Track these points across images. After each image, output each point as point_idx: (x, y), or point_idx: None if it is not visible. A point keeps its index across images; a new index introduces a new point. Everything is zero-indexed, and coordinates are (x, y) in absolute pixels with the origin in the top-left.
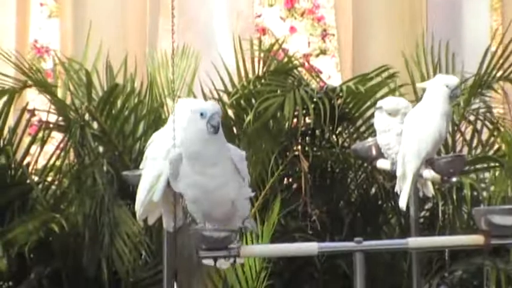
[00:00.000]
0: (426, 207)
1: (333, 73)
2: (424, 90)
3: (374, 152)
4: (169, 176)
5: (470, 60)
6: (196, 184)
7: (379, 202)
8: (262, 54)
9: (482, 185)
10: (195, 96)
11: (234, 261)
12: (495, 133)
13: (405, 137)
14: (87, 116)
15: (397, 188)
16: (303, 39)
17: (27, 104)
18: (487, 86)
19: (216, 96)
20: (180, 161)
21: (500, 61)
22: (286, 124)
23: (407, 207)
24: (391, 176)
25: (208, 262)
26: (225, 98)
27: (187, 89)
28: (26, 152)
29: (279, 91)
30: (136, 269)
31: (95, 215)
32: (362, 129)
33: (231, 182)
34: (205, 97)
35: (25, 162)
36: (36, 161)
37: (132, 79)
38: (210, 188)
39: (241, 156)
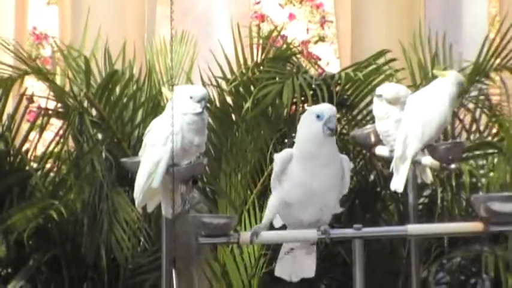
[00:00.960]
0: (425, 193)
1: (331, 60)
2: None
3: (373, 138)
4: (273, 174)
5: (469, 47)
6: (303, 183)
7: (378, 189)
8: (261, 41)
9: (481, 172)
10: (192, 83)
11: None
12: (493, 119)
13: (408, 119)
14: (85, 103)
15: (392, 169)
16: (302, 26)
17: (25, 90)
18: (484, 74)
19: (215, 83)
20: (289, 160)
21: (499, 49)
22: (285, 111)
23: (406, 193)
24: (389, 162)
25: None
26: (223, 84)
27: (185, 76)
28: (25, 139)
29: (277, 78)
30: (135, 255)
31: (94, 202)
32: (360, 116)
33: (335, 187)
34: (204, 84)
35: (24, 148)
36: (35, 148)
37: (131, 66)
38: (316, 189)
39: (350, 165)
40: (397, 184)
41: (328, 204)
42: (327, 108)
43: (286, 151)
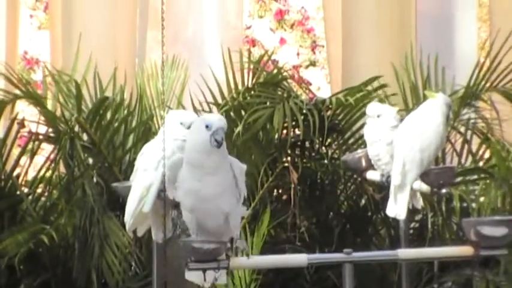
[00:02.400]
0: (416, 218)
1: (322, 84)
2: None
3: (364, 163)
4: (166, 181)
5: (459, 71)
6: (193, 191)
7: (369, 213)
8: (251, 66)
9: (472, 197)
10: (184, 108)
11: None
12: (485, 143)
13: (403, 145)
14: (76, 128)
15: (391, 198)
16: (293, 51)
17: (16, 114)
18: (475, 97)
19: (206, 107)
20: (179, 165)
21: (489, 73)
22: (276, 135)
23: (397, 219)
24: (381, 187)
25: (193, 278)
26: (214, 109)
27: (176, 100)
28: (16, 164)
29: (268, 103)
30: (126, 280)
31: (85, 227)
32: (351, 140)
33: (227, 193)
34: (195, 109)
35: (15, 173)
36: (26, 173)
37: (122, 91)
38: (207, 196)
39: (241, 168)
40: (399, 212)
41: (226, 211)
42: (216, 120)
43: (177, 156)
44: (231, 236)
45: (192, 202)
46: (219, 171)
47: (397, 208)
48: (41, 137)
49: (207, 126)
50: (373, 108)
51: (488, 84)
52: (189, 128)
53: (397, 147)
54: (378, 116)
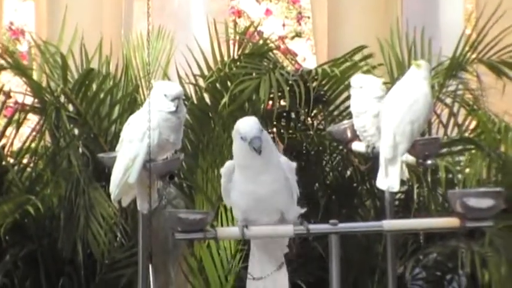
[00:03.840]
0: (401, 189)
1: (308, 56)
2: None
3: (349, 134)
4: (222, 188)
5: (446, 43)
6: (248, 192)
7: (354, 184)
8: (237, 37)
9: (458, 168)
10: (169, 79)
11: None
12: (471, 114)
13: (392, 118)
14: (62, 99)
15: (381, 170)
16: (278, 22)
17: (2, 85)
18: (461, 68)
19: (192, 79)
20: (232, 171)
21: (475, 44)
22: (262, 106)
23: (381, 190)
24: (366, 158)
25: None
26: (200, 81)
27: (162, 71)
28: (2, 134)
29: (254, 74)
30: (111, 250)
31: (71, 197)
32: (337, 111)
33: (282, 191)
34: (180, 80)
35: (0, 144)
36: (11, 143)
37: (108, 61)
38: (262, 196)
39: (291, 167)
40: (392, 184)
41: (282, 209)
42: (249, 130)
43: (229, 163)
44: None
45: (247, 203)
46: (270, 169)
47: (388, 181)
48: (27, 107)
49: (242, 138)
50: (356, 79)
51: (474, 56)
52: (172, 100)
53: (385, 119)
54: (361, 87)
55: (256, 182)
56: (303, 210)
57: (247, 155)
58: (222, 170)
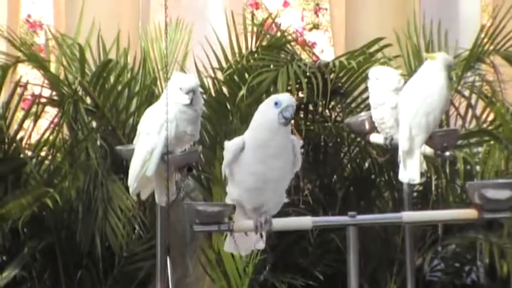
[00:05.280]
0: (419, 181)
1: (326, 47)
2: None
3: (367, 126)
4: (225, 162)
5: (462, 35)
6: (257, 173)
7: (373, 176)
8: (255, 29)
9: (476, 159)
10: (185, 72)
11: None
12: (489, 106)
13: (408, 110)
14: (80, 91)
15: (400, 163)
16: (296, 14)
17: (20, 78)
18: (479, 60)
19: (210, 71)
20: (241, 148)
21: (494, 36)
22: None
23: (401, 182)
24: (384, 150)
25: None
26: (218, 73)
27: (180, 64)
28: (19, 127)
29: (272, 66)
30: (129, 243)
31: (89, 190)
32: (355, 103)
33: (289, 175)
34: (198, 72)
35: (18, 137)
36: (29, 136)
37: (126, 53)
38: (270, 179)
39: (299, 143)
40: (413, 176)
41: (286, 188)
42: (286, 97)
43: (238, 139)
44: None
45: (254, 183)
46: (282, 154)
47: (408, 173)
48: (44, 100)
49: (276, 104)
50: (373, 71)
51: (492, 47)
52: (187, 93)
53: (402, 112)
54: (377, 79)
55: (267, 164)
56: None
57: (271, 127)
58: (230, 145)
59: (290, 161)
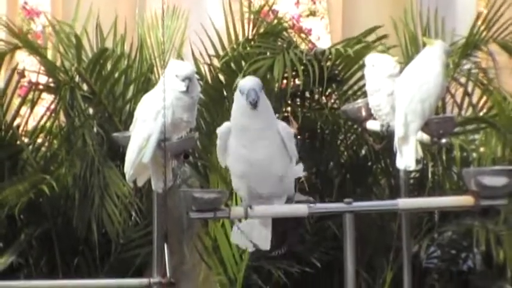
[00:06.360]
0: (416, 168)
1: (322, 34)
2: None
3: (364, 113)
4: (217, 149)
5: (458, 23)
6: (242, 157)
7: (369, 163)
8: (252, 16)
9: (472, 146)
10: (182, 59)
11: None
12: (485, 94)
13: (404, 97)
14: (77, 78)
15: (396, 149)
16: (292, 1)
17: (17, 65)
18: (476, 48)
19: (207, 58)
20: (228, 133)
21: (490, 24)
22: (276, 86)
23: (397, 169)
24: (380, 137)
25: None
26: (215, 61)
27: (176, 51)
28: (16, 114)
29: (268, 53)
30: (126, 230)
31: (85, 176)
32: (351, 91)
33: (277, 156)
34: (195, 59)
35: (15, 123)
36: (26, 123)
37: (122, 41)
38: (256, 161)
39: (289, 132)
40: (408, 163)
41: (280, 175)
42: (247, 82)
43: (225, 125)
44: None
45: (242, 168)
46: (265, 134)
47: (404, 160)
48: (41, 87)
49: (240, 91)
50: (369, 58)
51: (489, 35)
52: (183, 80)
53: (398, 98)
54: (373, 66)
55: (251, 147)
56: (303, 172)
57: (244, 113)
58: (218, 131)
59: (277, 143)
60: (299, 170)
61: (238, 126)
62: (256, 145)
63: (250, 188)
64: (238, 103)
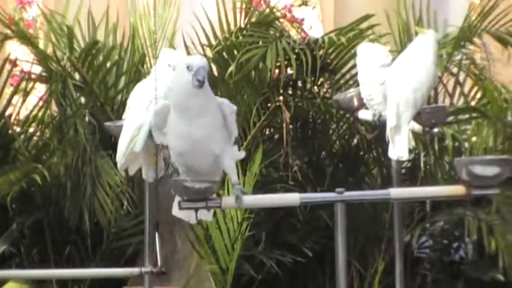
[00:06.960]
0: (408, 158)
1: (314, 24)
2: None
3: (356, 102)
4: (152, 127)
5: (451, 15)
6: (183, 134)
7: (361, 153)
8: (244, 6)
9: (464, 136)
10: (175, 49)
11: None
12: (477, 84)
13: (396, 86)
14: (69, 67)
15: (388, 138)
16: None
17: (9, 54)
18: (469, 39)
19: (199, 48)
20: (167, 111)
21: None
22: (268, 75)
23: (389, 158)
24: (372, 126)
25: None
26: (207, 50)
27: (169, 40)
28: (8, 103)
29: (260, 42)
30: (118, 219)
31: (77, 166)
32: (343, 80)
33: (217, 135)
34: (187, 49)
35: (7, 113)
36: (18, 112)
37: (114, 30)
38: (196, 139)
39: (232, 109)
40: (401, 153)
41: (216, 153)
42: (197, 60)
43: (163, 103)
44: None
45: (182, 146)
46: (206, 112)
47: (397, 150)
48: (33, 76)
49: (188, 67)
50: (361, 47)
51: (482, 26)
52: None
53: (390, 88)
54: (365, 55)
55: (192, 125)
56: (241, 154)
57: (187, 91)
58: (156, 108)
59: (218, 121)
60: (238, 153)
61: (177, 104)
62: (197, 123)
63: (188, 165)
64: (181, 80)
